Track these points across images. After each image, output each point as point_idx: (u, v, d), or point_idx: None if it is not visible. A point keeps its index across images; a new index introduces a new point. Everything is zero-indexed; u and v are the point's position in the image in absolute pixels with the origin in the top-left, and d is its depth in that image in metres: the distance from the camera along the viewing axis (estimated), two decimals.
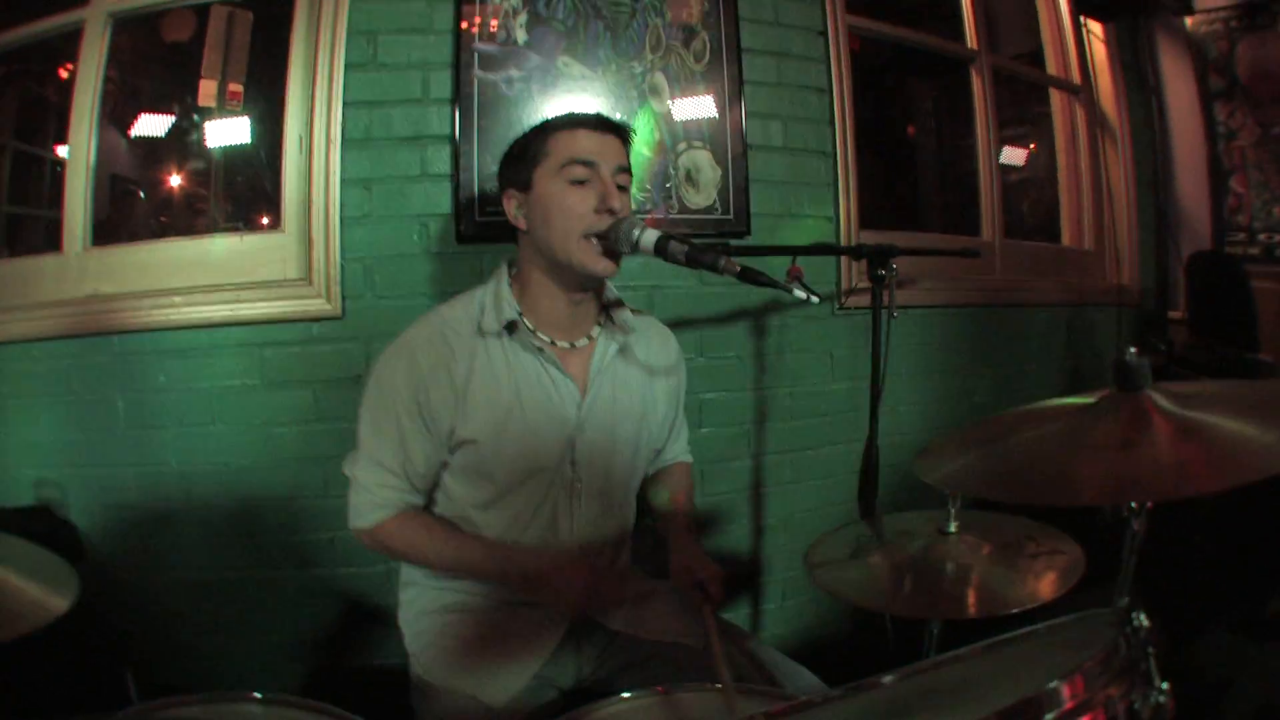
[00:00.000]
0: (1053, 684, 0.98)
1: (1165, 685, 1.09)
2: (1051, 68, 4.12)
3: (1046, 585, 1.64)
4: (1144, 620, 1.12)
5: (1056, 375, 3.79)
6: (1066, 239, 4.16)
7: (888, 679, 1.32)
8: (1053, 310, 3.83)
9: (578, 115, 1.98)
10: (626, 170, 1.98)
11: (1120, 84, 4.08)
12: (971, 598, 1.66)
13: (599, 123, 1.96)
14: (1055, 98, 4.16)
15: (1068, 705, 0.99)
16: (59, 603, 1.36)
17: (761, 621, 3.16)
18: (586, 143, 1.93)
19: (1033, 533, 1.84)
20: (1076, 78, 4.09)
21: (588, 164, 1.91)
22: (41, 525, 2.46)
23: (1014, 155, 4.20)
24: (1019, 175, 4.32)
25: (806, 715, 1.32)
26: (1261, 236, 4.11)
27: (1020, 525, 1.88)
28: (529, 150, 1.95)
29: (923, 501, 2.03)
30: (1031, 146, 4.37)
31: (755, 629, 3.11)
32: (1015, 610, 1.55)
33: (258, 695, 1.57)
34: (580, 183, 1.90)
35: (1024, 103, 4.29)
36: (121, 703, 1.44)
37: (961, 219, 3.96)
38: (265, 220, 2.88)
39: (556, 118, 1.98)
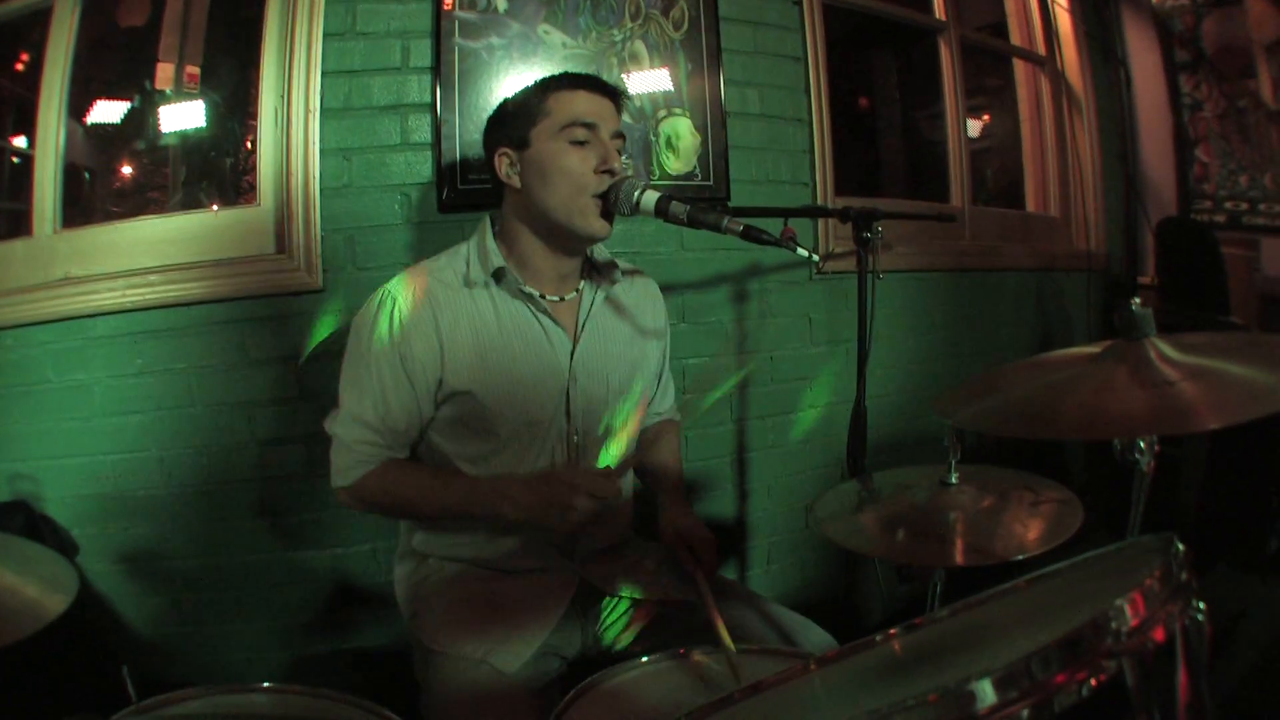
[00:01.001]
0: (1118, 601, 0.97)
1: (1202, 606, 1.10)
2: (1016, 38, 4.17)
3: (1047, 532, 1.66)
4: (1180, 546, 1.13)
5: (1028, 337, 3.85)
6: (1031, 206, 4.23)
7: (942, 613, 1.34)
8: (1022, 274, 3.89)
9: (577, 75, 1.98)
10: (621, 135, 1.98)
11: (1085, 56, 4.14)
12: (974, 546, 1.67)
13: (598, 85, 1.97)
14: (1020, 68, 4.22)
15: (1133, 623, 0.98)
16: (58, 602, 1.32)
17: (749, 586, 3.15)
18: (587, 104, 1.92)
19: (1030, 483, 1.86)
20: (1042, 49, 4.14)
21: (589, 125, 1.90)
22: (19, 521, 2.38)
23: (975, 125, 4.23)
24: (980, 144, 4.36)
25: (860, 658, 1.33)
26: (1227, 204, 4.18)
27: (1018, 477, 1.90)
28: (527, 108, 1.93)
29: (905, 461, 2.06)
30: (985, 117, 4.42)
31: None
32: (1020, 557, 1.56)
33: (265, 685, 1.54)
34: (580, 143, 1.90)
35: (984, 74, 4.32)
36: (119, 699, 1.39)
37: (928, 186, 4.00)
38: (233, 198, 2.83)
39: (555, 76, 1.97)
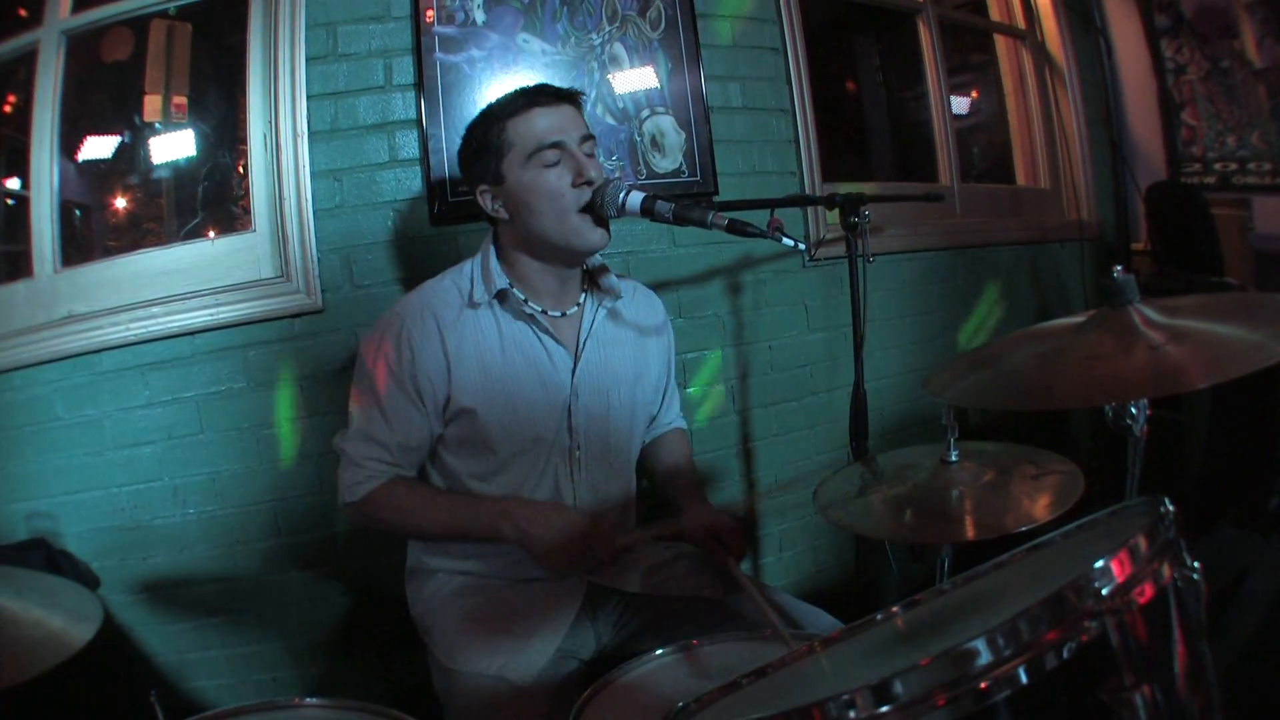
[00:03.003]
0: (1100, 563, 1.00)
1: (1197, 564, 1.12)
2: (994, 14, 4.19)
3: (1043, 505, 1.68)
4: (1170, 506, 1.15)
5: (1025, 311, 3.86)
6: (1021, 179, 4.24)
7: (943, 588, 1.38)
8: (1016, 249, 3.90)
9: (525, 93, 1.96)
10: (590, 136, 1.97)
11: (1065, 26, 4.14)
12: (981, 521, 1.71)
13: (550, 95, 1.95)
14: (1001, 44, 4.23)
15: (1119, 581, 1.01)
16: (83, 632, 1.36)
17: (761, 575, 3.21)
18: (545, 121, 1.92)
19: (1030, 457, 1.88)
20: (1021, 23, 4.15)
21: (555, 144, 1.90)
22: (39, 558, 2.39)
23: (959, 103, 4.24)
24: (967, 121, 4.37)
25: (864, 636, 1.36)
26: (1217, 166, 4.18)
27: (1018, 451, 1.93)
28: (489, 144, 1.94)
29: (910, 442, 2.11)
30: (973, 94, 4.42)
31: None
32: (1024, 528, 1.59)
33: (293, 700, 1.58)
34: (553, 164, 1.90)
35: (967, 51, 4.34)
36: None
37: (917, 167, 4.03)
38: (229, 225, 2.85)
39: (503, 102, 1.96)
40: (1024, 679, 0.95)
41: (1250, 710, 1.98)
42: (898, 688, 0.95)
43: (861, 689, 0.95)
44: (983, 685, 0.94)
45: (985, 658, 0.95)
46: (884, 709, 0.95)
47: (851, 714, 0.96)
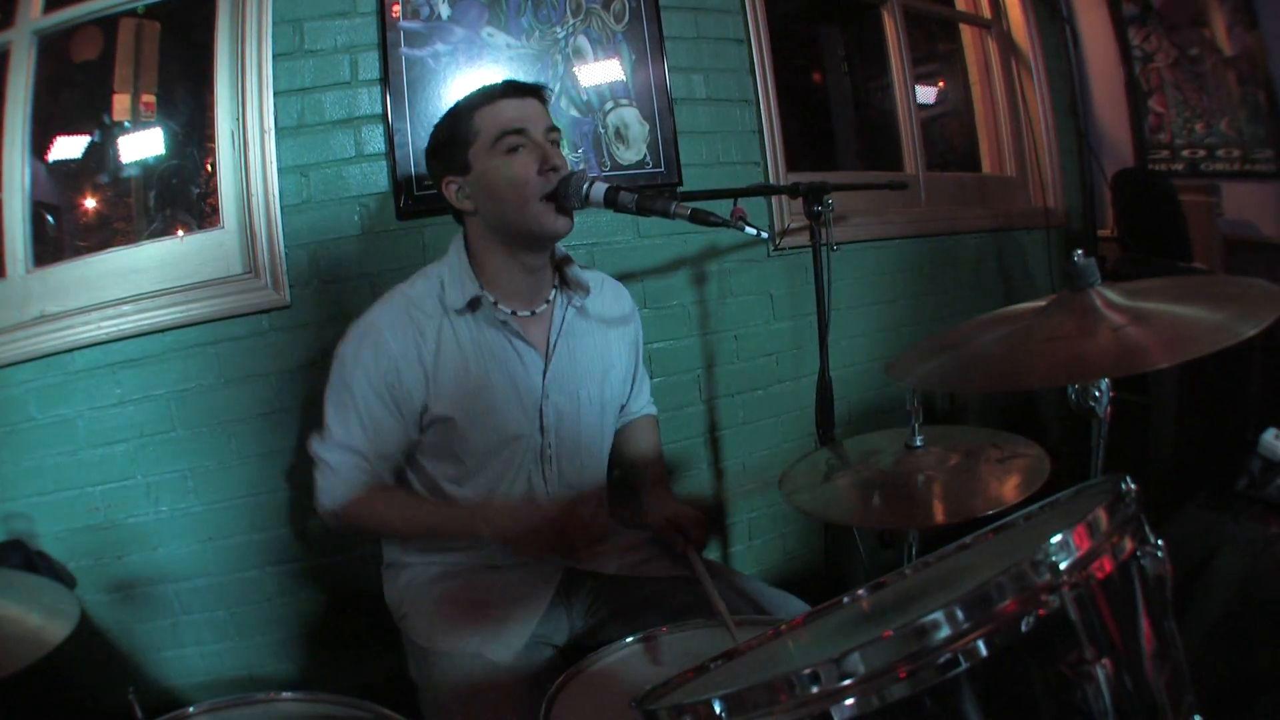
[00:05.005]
0: (1058, 537, 1.02)
1: (1160, 542, 1.14)
2: (960, 3, 4.23)
3: (1012, 487, 1.71)
4: (1132, 484, 1.18)
5: (991, 299, 3.88)
6: (987, 167, 4.27)
7: (907, 570, 1.41)
8: (982, 236, 3.94)
9: (492, 87, 1.99)
10: (554, 128, 2.00)
11: (1031, 16, 4.17)
12: (950, 504, 1.74)
13: (516, 89, 1.98)
14: (967, 33, 4.26)
15: (1079, 554, 1.03)
16: (60, 628, 1.38)
17: (731, 564, 3.22)
18: (511, 111, 1.94)
19: (995, 440, 1.91)
20: (987, 12, 4.19)
21: (519, 131, 1.93)
22: (16, 559, 2.39)
23: (926, 93, 4.27)
24: (934, 111, 4.41)
25: (831, 618, 1.39)
26: (1185, 152, 4.20)
27: (983, 435, 1.96)
28: (456, 135, 1.96)
29: (877, 429, 2.12)
30: (940, 84, 4.45)
31: None
32: (990, 512, 1.62)
33: (264, 695, 1.60)
34: (516, 150, 1.92)
35: (934, 41, 4.37)
36: None
37: (882, 156, 4.05)
38: (197, 222, 2.85)
39: (471, 96, 1.99)
40: (984, 651, 0.97)
41: (1219, 689, 2.01)
42: (859, 661, 0.97)
43: (824, 662, 0.97)
44: (943, 658, 0.96)
45: (945, 630, 0.97)
46: (847, 682, 0.97)
47: (815, 689, 0.98)
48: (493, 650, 1.88)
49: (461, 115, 1.97)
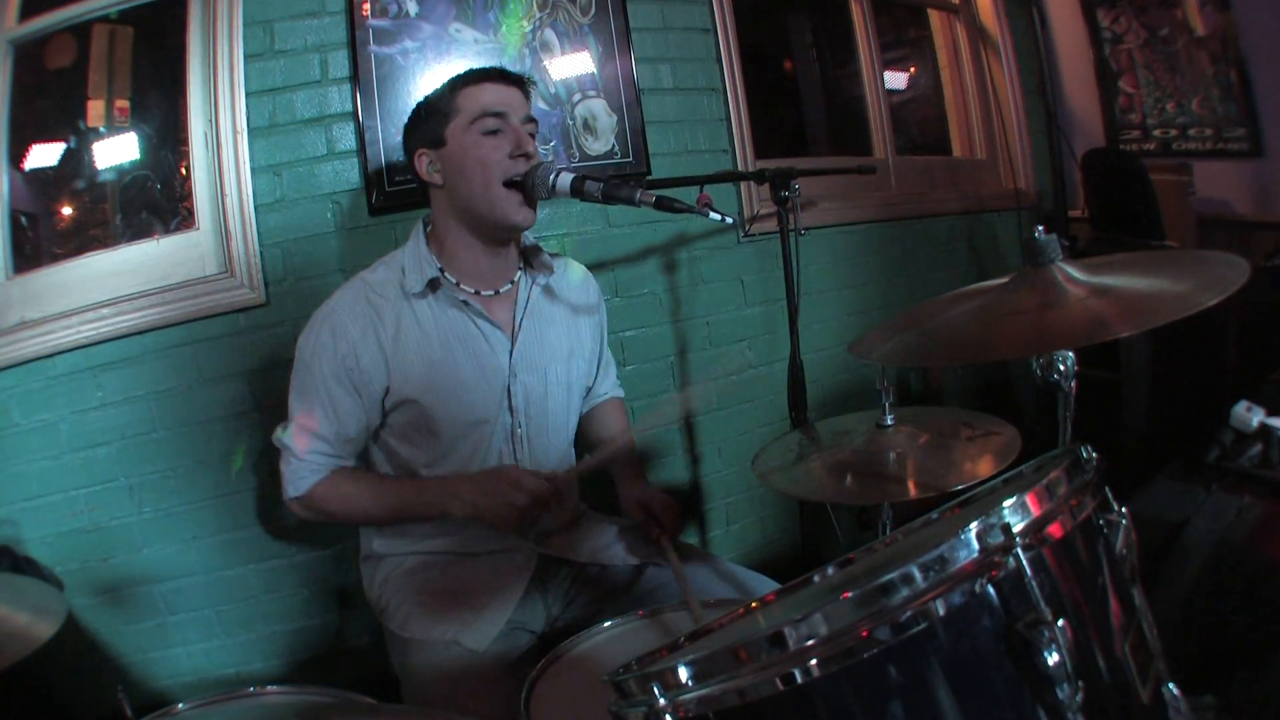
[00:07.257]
0: (1013, 498, 1.06)
1: (1124, 510, 1.17)
2: None
3: (986, 464, 1.73)
4: (1092, 451, 1.21)
5: (963, 281, 3.85)
6: (957, 150, 4.31)
7: (875, 544, 1.46)
8: (952, 219, 3.98)
9: (481, 69, 2.03)
10: (533, 120, 2.04)
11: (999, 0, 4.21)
12: (922, 481, 1.76)
13: (502, 75, 2.02)
14: (935, 18, 4.30)
15: (1035, 515, 1.07)
16: (48, 626, 1.39)
17: (710, 548, 3.25)
18: (494, 95, 1.98)
19: (966, 419, 1.94)
20: None
21: (498, 114, 1.96)
22: (4, 565, 2.39)
23: (895, 79, 4.30)
24: (904, 96, 4.44)
25: (801, 594, 1.42)
26: (1156, 132, 4.23)
27: (955, 415, 1.99)
28: (439, 109, 2.00)
29: (851, 411, 2.14)
30: (911, 69, 4.48)
31: None
32: (960, 487, 1.64)
33: (273, 688, 1.62)
34: (493, 133, 1.96)
35: (903, 27, 4.40)
36: None
37: (852, 142, 4.08)
38: (173, 225, 2.87)
39: (461, 74, 2.03)
40: (941, 611, 0.99)
41: (1191, 659, 2.03)
42: (821, 621, 0.99)
43: (788, 623, 1.00)
44: (904, 615, 0.98)
45: (903, 591, 0.99)
46: (810, 642, 0.99)
47: (780, 651, 1.00)
48: (469, 638, 1.91)
49: (446, 91, 2.01)
